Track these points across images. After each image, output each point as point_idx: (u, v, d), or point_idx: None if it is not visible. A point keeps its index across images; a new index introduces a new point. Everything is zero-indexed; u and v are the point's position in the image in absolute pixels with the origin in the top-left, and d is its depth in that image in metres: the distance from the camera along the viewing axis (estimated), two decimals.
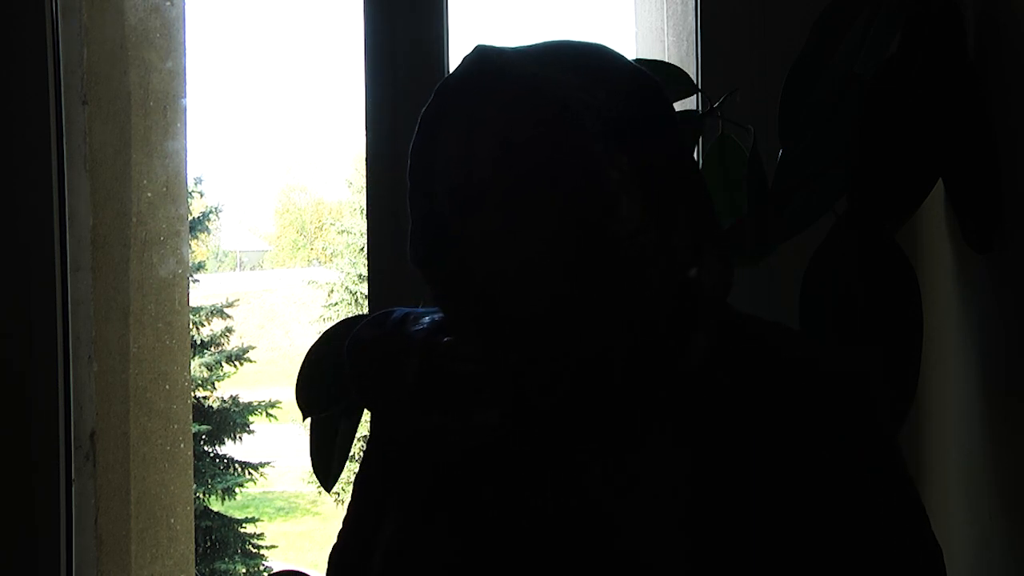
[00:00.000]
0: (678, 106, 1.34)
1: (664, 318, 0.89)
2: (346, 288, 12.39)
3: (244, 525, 9.06)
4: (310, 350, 1.34)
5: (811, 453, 0.87)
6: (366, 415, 1.39)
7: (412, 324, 1.02)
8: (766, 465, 0.87)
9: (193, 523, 2.32)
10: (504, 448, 0.91)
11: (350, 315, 1.30)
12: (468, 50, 0.90)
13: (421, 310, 1.04)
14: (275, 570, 8.69)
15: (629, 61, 0.93)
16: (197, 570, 6.88)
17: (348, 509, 1.06)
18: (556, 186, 0.84)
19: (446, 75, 0.98)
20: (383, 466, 1.02)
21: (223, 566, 8.78)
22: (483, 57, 0.88)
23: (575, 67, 0.88)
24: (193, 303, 9.39)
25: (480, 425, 0.92)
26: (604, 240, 0.84)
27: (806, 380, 0.90)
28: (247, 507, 10.04)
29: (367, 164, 1.65)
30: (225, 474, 9.33)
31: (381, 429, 1.05)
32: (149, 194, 2.09)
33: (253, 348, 10.21)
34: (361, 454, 1.12)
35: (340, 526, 1.07)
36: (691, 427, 0.88)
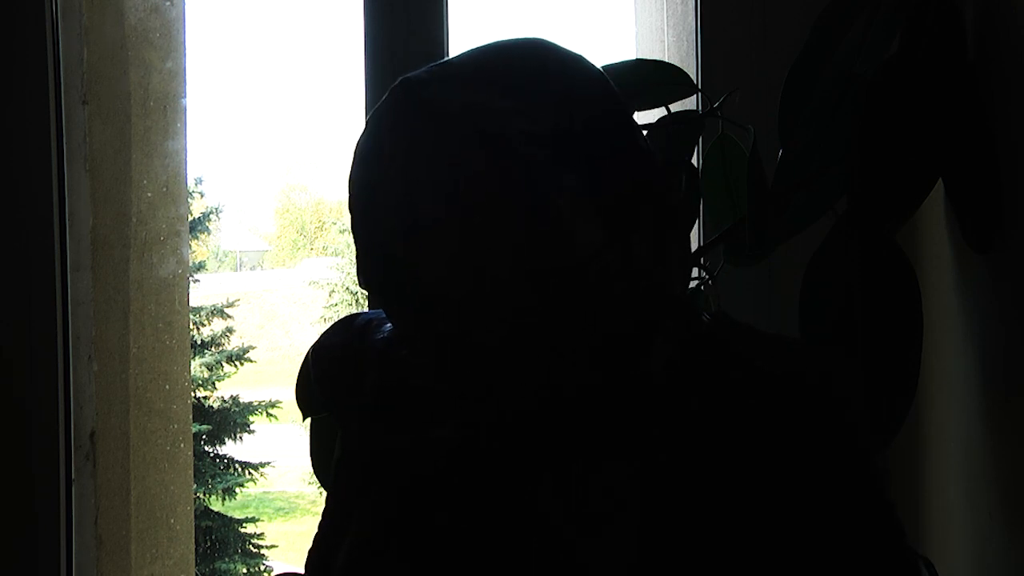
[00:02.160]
0: (678, 106, 1.34)
1: (630, 329, 0.85)
2: (346, 288, 12.40)
3: (244, 525, 9.06)
4: (310, 350, 1.34)
5: (773, 465, 0.85)
6: None
7: (374, 331, 0.99)
8: (730, 482, 0.84)
9: (193, 523, 2.32)
10: (459, 467, 0.89)
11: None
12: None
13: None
14: (276, 572, 8.69)
15: (575, 61, 0.86)
16: (197, 570, 6.88)
17: (322, 513, 1.04)
18: (501, 221, 0.78)
19: None
20: (349, 477, 1.00)
21: (223, 566, 8.79)
22: (408, 91, 0.82)
23: (512, 86, 0.82)
24: (193, 303, 9.39)
25: (435, 441, 0.90)
26: (561, 266, 0.79)
27: (769, 389, 0.87)
28: (247, 507, 10.05)
29: None
30: (225, 474, 9.33)
31: (347, 441, 1.02)
32: (149, 194, 2.09)
33: (253, 348, 10.22)
34: None
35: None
36: (652, 443, 0.86)
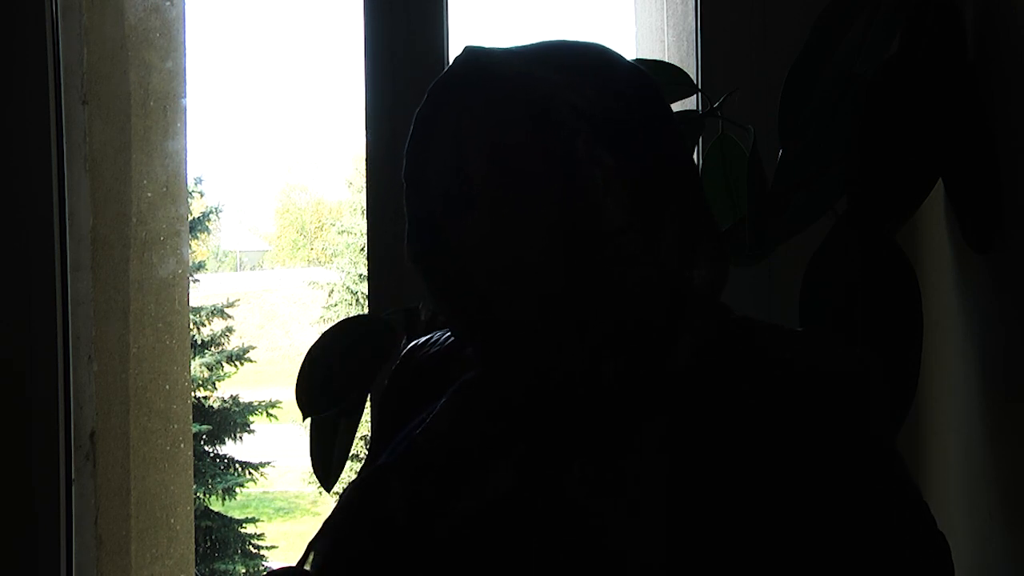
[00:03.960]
0: (678, 106, 1.34)
1: (653, 318, 0.88)
2: (347, 288, 12.39)
3: (244, 525, 9.06)
4: (310, 350, 1.34)
5: (800, 454, 0.87)
6: (366, 415, 1.40)
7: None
8: (755, 468, 0.86)
9: (193, 523, 2.32)
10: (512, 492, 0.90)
11: (350, 315, 1.30)
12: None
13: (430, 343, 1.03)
14: (273, 568, 8.70)
15: (627, 62, 0.93)
16: (197, 570, 6.88)
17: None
18: (539, 186, 0.84)
19: None
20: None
21: (223, 566, 8.79)
22: (470, 57, 0.88)
23: (565, 65, 0.88)
24: (193, 303, 9.39)
25: (492, 489, 0.90)
26: (588, 239, 0.84)
27: (796, 381, 0.89)
28: (247, 507, 10.04)
29: (367, 164, 1.65)
30: (225, 474, 9.33)
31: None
32: (149, 194, 2.09)
33: (253, 348, 10.21)
34: (365, 452, 1.10)
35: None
36: (679, 429, 0.88)
